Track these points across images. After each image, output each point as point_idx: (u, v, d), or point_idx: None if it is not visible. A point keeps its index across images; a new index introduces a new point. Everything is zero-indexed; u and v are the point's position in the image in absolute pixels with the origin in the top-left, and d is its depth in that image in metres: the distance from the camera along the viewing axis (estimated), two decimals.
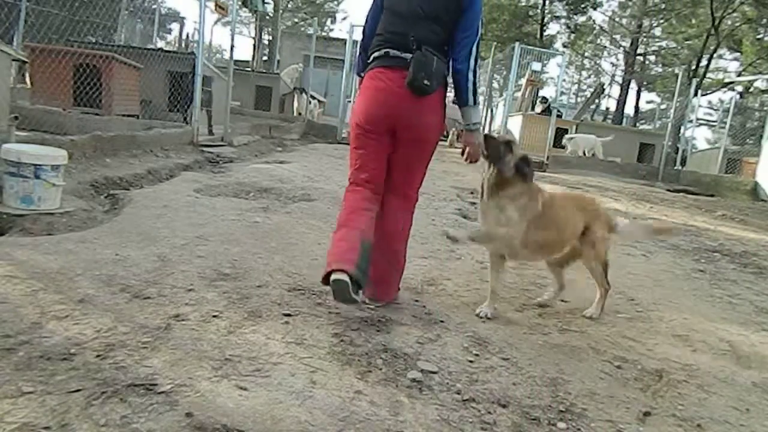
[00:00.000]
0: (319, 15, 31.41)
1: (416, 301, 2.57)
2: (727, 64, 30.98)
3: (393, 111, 2.30)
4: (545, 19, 28.42)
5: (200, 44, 6.78)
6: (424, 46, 2.25)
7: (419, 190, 2.55)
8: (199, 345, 1.82)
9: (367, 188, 2.39)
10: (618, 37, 32.61)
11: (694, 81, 14.68)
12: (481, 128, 2.51)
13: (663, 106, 34.62)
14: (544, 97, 14.78)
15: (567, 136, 11.06)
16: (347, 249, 2.20)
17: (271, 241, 3.14)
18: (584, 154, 11.47)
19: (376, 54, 2.37)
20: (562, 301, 2.87)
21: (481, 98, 2.29)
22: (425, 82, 2.22)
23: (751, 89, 24.92)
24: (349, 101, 13.56)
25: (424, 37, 2.27)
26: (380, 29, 2.40)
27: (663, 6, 27.71)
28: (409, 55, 2.26)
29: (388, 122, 2.33)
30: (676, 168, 12.86)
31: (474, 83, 2.35)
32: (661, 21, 29.40)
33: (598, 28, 32.62)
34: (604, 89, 28.44)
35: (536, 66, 13.13)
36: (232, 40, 7.85)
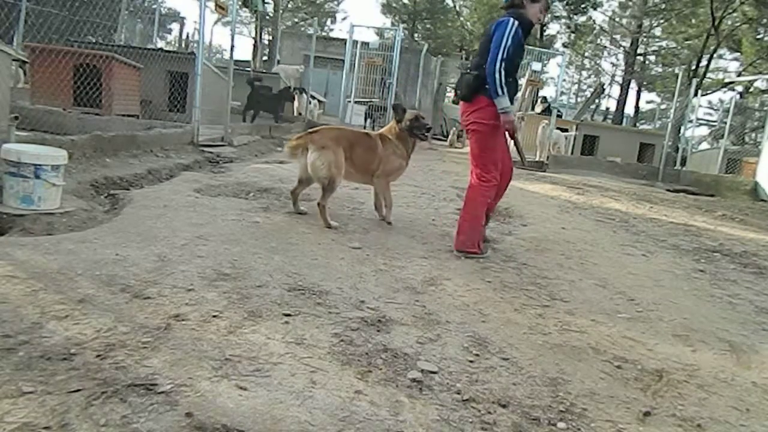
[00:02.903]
0: (319, 15, 31.45)
1: (416, 301, 2.57)
2: (727, 64, 31.06)
3: (460, 112, 3.66)
4: (545, 19, 28.42)
5: (200, 44, 6.78)
6: (470, 72, 3.46)
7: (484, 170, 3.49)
8: (199, 345, 1.82)
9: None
10: (618, 37, 32.65)
11: (694, 81, 14.68)
12: (512, 112, 3.35)
13: (663, 106, 34.67)
14: (544, 97, 14.80)
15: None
16: None
17: (271, 241, 3.14)
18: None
19: None
20: (562, 300, 2.87)
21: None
22: (458, 92, 3.63)
23: (751, 89, 24.94)
24: (349, 101, 13.57)
25: (474, 66, 3.46)
26: None
27: (663, 6, 27.75)
28: None
29: (461, 119, 3.63)
30: (676, 168, 12.86)
31: (496, 81, 3.23)
32: (661, 21, 29.45)
33: (598, 28, 32.67)
34: (604, 89, 28.44)
35: (536, 66, 13.09)
36: (232, 40, 7.83)
